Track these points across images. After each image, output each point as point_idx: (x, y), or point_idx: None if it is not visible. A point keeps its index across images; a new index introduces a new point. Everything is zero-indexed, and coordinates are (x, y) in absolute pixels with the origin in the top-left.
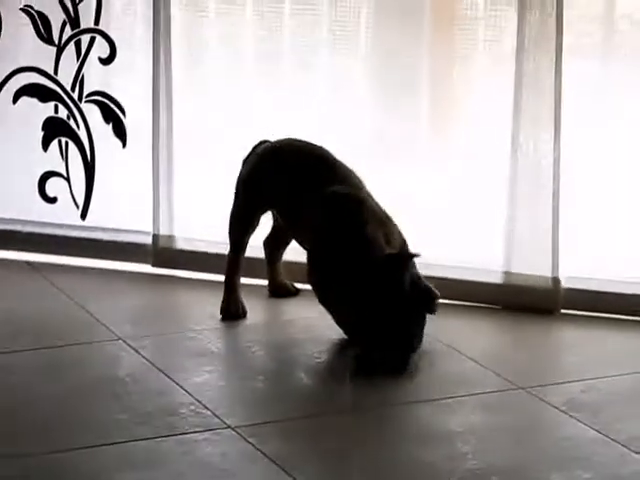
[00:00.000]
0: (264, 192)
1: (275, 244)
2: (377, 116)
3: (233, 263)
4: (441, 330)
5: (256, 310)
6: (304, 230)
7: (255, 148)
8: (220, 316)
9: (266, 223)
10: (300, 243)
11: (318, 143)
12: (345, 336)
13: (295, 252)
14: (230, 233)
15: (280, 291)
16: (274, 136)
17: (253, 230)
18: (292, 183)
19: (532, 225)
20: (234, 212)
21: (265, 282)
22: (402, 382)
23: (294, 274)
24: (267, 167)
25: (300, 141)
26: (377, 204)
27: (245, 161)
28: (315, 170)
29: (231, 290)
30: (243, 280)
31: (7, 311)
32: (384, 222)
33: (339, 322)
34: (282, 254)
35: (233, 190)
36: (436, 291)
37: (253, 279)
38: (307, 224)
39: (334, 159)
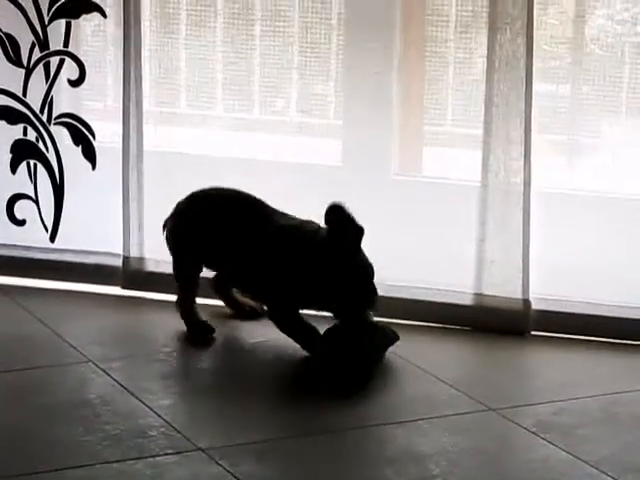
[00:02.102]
0: (200, 249)
1: (224, 286)
2: (347, 137)
3: (185, 301)
4: (412, 352)
5: (224, 332)
6: (253, 274)
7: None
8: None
9: None
10: (245, 288)
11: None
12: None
13: None
14: (177, 282)
15: (246, 312)
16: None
17: (199, 274)
18: (230, 237)
19: (503, 246)
20: (174, 269)
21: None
22: (373, 403)
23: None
24: (198, 221)
25: (223, 189)
26: None
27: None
28: (251, 219)
29: (192, 317)
30: (208, 302)
31: None
32: None
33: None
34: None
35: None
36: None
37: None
38: (256, 266)
39: (265, 204)
